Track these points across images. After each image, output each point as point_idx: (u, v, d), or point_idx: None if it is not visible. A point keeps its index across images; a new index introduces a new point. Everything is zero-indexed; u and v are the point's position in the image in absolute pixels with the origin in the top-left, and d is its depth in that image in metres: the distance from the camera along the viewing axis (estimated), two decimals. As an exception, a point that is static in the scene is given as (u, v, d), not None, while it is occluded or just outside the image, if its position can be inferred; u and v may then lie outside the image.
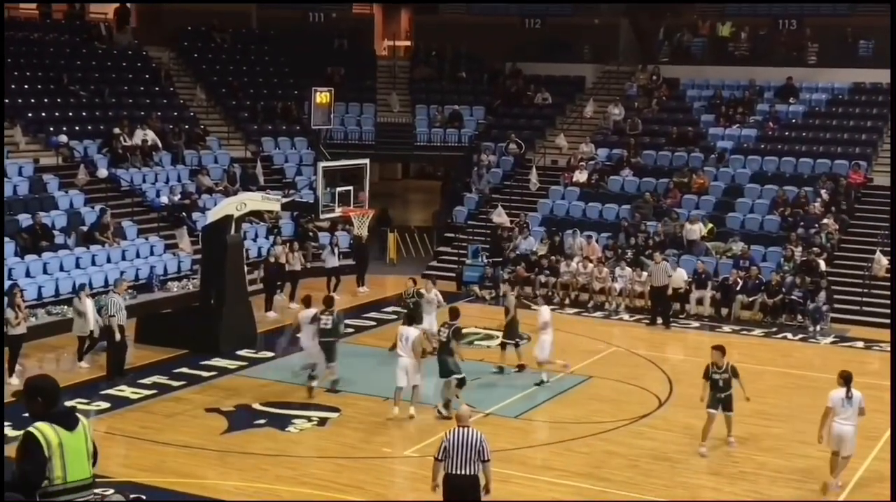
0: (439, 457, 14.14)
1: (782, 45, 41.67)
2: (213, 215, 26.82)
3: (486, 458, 14.08)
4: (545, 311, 23.76)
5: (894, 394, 21.41)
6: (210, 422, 20.54)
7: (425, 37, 47.72)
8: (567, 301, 31.69)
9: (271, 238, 33.13)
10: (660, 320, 29.46)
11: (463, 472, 14.03)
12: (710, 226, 33.28)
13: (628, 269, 31.41)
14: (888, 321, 28.22)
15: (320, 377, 22.70)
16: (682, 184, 35.72)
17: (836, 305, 29.76)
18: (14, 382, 22.41)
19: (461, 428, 14.16)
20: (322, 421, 20.83)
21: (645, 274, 30.54)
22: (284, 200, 28.09)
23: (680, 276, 30.30)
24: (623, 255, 32.48)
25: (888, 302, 29.12)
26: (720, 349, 19.74)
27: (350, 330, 26.78)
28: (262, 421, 20.73)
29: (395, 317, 26.75)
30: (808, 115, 39.08)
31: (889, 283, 29.82)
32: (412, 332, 21.11)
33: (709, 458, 19.41)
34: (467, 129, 41.78)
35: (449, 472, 14.13)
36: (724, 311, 30.36)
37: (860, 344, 28.03)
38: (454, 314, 21.89)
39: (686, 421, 21.29)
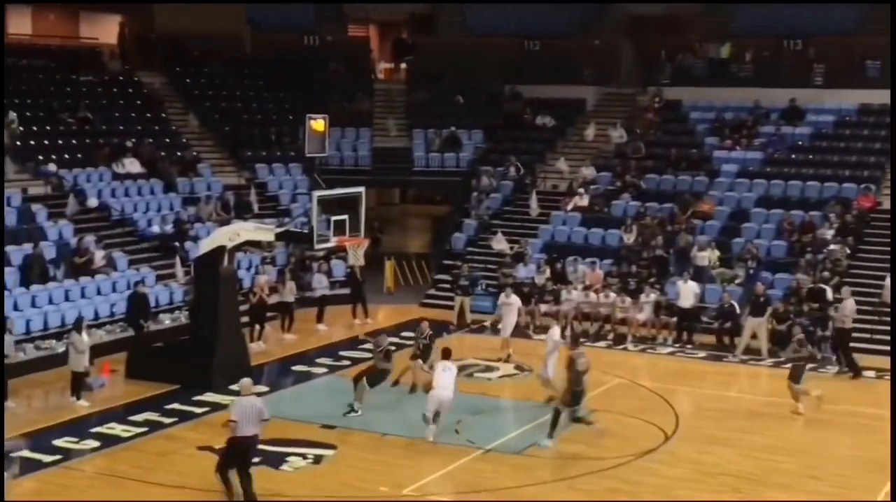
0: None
1: (787, 66, 41.22)
2: (206, 246, 26.37)
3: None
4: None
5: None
6: (203, 462, 19.96)
7: (423, 59, 47.25)
8: (569, 330, 31.00)
9: (256, 268, 32.71)
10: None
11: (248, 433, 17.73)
12: (718, 253, 32.68)
13: (654, 295, 30.92)
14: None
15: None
16: (686, 208, 35.12)
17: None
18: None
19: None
20: (317, 459, 20.41)
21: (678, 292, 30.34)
22: (279, 230, 27.59)
23: (691, 290, 30.20)
24: (625, 283, 31.99)
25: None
26: None
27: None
28: (255, 460, 19.89)
29: (393, 348, 25.85)
30: (814, 138, 38.60)
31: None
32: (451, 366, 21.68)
33: (717, 495, 18.94)
34: (466, 154, 41.28)
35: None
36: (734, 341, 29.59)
37: (871, 373, 27.26)
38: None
39: (693, 456, 20.92)
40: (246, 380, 18.40)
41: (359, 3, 48.46)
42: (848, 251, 32.06)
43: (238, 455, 17.85)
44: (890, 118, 36.46)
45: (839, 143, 38.03)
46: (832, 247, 32.05)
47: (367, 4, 48.35)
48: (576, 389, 21.50)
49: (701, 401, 24.90)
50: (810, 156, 37.52)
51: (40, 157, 33.95)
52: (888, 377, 26.68)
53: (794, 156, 37.73)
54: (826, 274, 30.78)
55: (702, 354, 29.06)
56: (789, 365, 24.51)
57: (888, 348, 28.30)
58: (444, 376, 21.43)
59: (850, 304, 27.80)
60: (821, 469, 20.39)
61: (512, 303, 28.63)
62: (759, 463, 20.53)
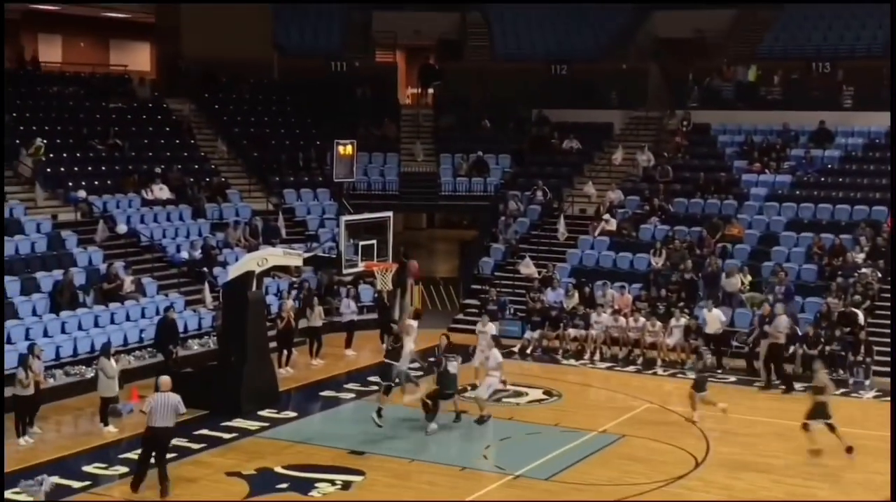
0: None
1: (816, 89, 40.96)
2: (234, 271, 26.34)
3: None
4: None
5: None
6: (231, 487, 20.02)
7: (450, 84, 47.24)
8: (598, 355, 30.87)
9: (282, 293, 32.65)
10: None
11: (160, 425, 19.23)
12: (750, 278, 32.39)
13: (683, 319, 30.62)
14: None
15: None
16: (715, 232, 34.88)
17: (878, 357, 28.65)
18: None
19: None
20: (346, 485, 20.24)
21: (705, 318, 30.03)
22: (306, 255, 27.55)
23: (716, 317, 29.88)
24: (655, 307, 31.80)
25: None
26: None
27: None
28: (284, 485, 20.20)
29: (420, 373, 26.08)
30: (844, 160, 38.24)
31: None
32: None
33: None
34: (493, 178, 41.19)
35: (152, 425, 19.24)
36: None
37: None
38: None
39: (725, 482, 20.66)
40: (164, 378, 19.76)
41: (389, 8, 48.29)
42: (879, 274, 31.70)
43: (151, 443, 19.59)
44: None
45: (869, 166, 37.57)
46: (863, 270, 31.66)
47: (394, 30, 48.25)
48: (443, 391, 23.33)
49: (731, 426, 24.54)
50: (840, 179, 37.11)
51: (70, 184, 33.95)
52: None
53: (823, 178, 37.32)
54: (857, 297, 30.40)
55: (731, 379, 28.81)
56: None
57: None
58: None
59: (783, 320, 28.14)
60: (853, 494, 20.11)
61: (486, 332, 27.89)
62: (790, 489, 20.28)
